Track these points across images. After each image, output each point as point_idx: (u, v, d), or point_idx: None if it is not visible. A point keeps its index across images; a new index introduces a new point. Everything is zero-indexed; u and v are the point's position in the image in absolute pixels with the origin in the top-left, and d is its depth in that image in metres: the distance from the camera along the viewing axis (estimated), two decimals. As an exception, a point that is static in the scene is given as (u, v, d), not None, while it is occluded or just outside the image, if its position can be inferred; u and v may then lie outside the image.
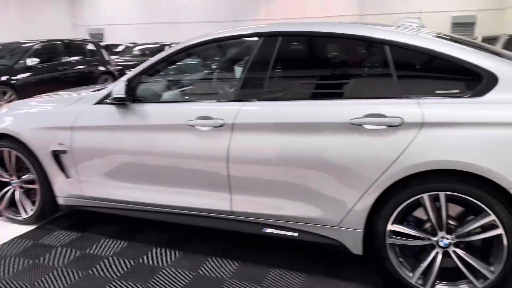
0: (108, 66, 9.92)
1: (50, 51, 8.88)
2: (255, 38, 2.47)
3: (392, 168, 2.05)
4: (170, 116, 2.50)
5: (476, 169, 1.93)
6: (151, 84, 2.79)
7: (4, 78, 7.73)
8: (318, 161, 2.19)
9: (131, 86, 2.57)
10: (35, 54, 8.37)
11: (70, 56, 9.16)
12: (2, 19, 23.27)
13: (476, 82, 2.05)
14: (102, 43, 13.28)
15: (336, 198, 2.20)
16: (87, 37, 27.97)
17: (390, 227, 2.13)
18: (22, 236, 2.89)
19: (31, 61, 8.06)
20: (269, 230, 2.40)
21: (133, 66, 9.82)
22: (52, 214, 3.15)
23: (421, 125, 2.02)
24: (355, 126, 2.11)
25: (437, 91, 2.10)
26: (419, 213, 2.14)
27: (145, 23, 26.36)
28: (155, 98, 2.76)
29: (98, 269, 2.46)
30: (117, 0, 27.06)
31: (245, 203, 2.40)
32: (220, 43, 2.71)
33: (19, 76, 7.95)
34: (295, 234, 2.35)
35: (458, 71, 2.10)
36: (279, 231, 2.38)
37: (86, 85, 4.43)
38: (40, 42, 8.81)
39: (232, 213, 2.45)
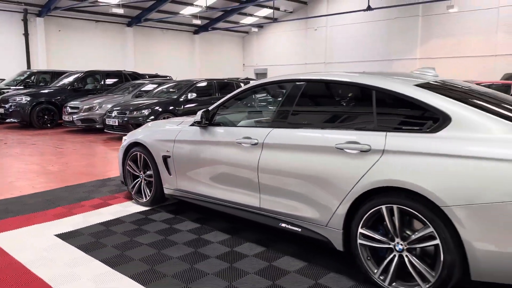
0: (251, 101, 11.66)
1: (207, 87, 11.04)
2: (287, 84, 3.39)
3: (360, 182, 2.68)
4: (227, 136, 3.57)
5: (420, 189, 2.43)
6: (222, 113, 3.89)
7: (171, 107, 9.99)
8: (313, 174, 2.94)
9: (208, 114, 3.74)
10: (196, 89, 10.56)
11: (222, 92, 11.17)
12: (189, 60, 28.30)
13: (434, 120, 2.56)
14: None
15: (324, 203, 2.90)
16: (254, 75, 31.59)
17: (360, 230, 2.73)
18: (140, 212, 4.28)
19: (191, 95, 10.23)
20: (283, 225, 3.21)
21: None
22: (163, 202, 4.48)
23: (383, 151, 2.63)
24: (339, 150, 2.82)
25: (404, 127, 2.67)
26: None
27: (303, 64, 28.53)
28: (223, 123, 3.84)
29: (174, 237, 3.61)
30: (280, 44, 29.98)
31: (268, 202, 3.26)
32: (266, 87, 3.68)
33: (182, 107, 10.14)
34: (299, 229, 3.10)
35: (422, 111, 2.64)
36: (289, 226, 3.17)
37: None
38: (200, 80, 11.04)
39: (259, 209, 3.33)
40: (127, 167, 4.61)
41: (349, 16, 25.00)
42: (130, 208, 4.43)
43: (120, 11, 21.50)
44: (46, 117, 12.15)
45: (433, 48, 22.81)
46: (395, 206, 2.56)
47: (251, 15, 28.06)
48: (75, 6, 20.85)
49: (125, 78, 14.29)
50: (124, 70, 14.84)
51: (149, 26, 25.68)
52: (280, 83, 3.55)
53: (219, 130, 3.69)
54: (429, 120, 2.60)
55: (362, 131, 2.81)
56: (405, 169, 2.52)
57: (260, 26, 30.12)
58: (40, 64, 21.05)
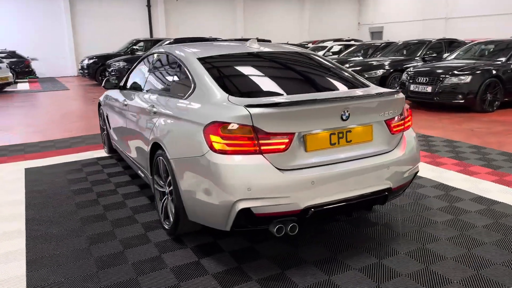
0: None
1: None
2: (150, 55, 4.05)
3: (151, 139, 3.29)
4: (120, 98, 4.39)
5: (163, 145, 2.97)
6: (130, 79, 4.65)
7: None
8: (139, 130, 3.62)
9: (117, 80, 4.59)
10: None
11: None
12: (298, 23, 28.52)
13: (190, 88, 3.01)
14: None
15: (145, 155, 3.55)
16: (368, 35, 30.24)
17: (155, 177, 3.36)
18: (97, 157, 5.45)
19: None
20: (139, 172, 3.97)
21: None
22: (115, 152, 5.52)
23: (159, 114, 3.20)
24: (148, 111, 3.44)
25: (178, 94, 3.15)
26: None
27: (422, 20, 26.19)
28: (128, 88, 4.57)
29: (99, 176, 4.69)
30: (396, -1, 27.85)
31: (134, 153, 4.04)
32: (149, 57, 4.26)
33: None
34: (143, 175, 3.83)
35: (190, 81, 3.07)
36: (141, 173, 3.91)
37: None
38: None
39: (135, 159, 4.11)
40: (100, 123, 5.80)
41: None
42: (97, 154, 5.64)
43: (226, -21, 22.78)
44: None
45: None
46: (160, 158, 3.13)
47: (364, -30, 26.62)
48: (188, -23, 22.83)
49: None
50: (211, 37, 16.17)
51: (258, -9, 26.55)
52: (150, 55, 4.18)
53: (120, 93, 4.53)
54: (191, 88, 3.04)
55: (161, 96, 3.38)
56: (161, 129, 3.07)
57: (376, -19, 28.37)
58: (161, 32, 23.92)
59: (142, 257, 2.86)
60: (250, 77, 3.11)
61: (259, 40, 15.59)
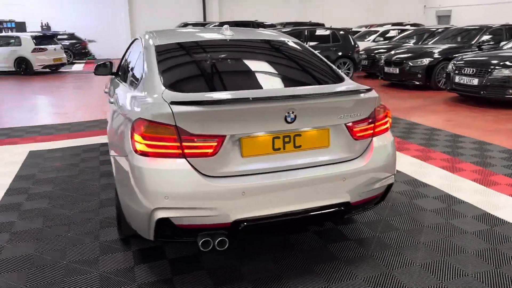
0: (350, 52, 11.22)
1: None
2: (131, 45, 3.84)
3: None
4: (110, 85, 4.27)
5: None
6: (121, 69, 4.49)
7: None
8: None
9: (112, 68, 4.46)
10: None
11: (321, 42, 11.14)
12: (359, 5, 27.24)
13: (139, 79, 2.76)
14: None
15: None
16: (435, 19, 28.17)
17: (114, 171, 3.20)
18: (101, 144, 5.44)
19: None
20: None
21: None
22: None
23: (111, 102, 3.02)
24: (110, 99, 3.28)
25: (132, 84, 2.93)
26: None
27: (496, 3, 23.87)
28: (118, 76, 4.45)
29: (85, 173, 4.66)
30: (467, -21, 25.53)
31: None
32: (133, 42, 4.04)
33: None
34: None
35: (142, 71, 2.82)
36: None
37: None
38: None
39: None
40: (108, 107, 5.79)
41: None
42: (103, 140, 5.63)
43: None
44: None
45: None
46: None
47: None
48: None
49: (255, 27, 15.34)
50: (256, 21, 15.85)
51: (315, -28, 25.62)
52: (134, 41, 3.97)
53: (115, 80, 4.41)
54: (139, 79, 2.78)
55: (121, 85, 3.21)
56: (110, 121, 2.89)
57: (446, -40, 26.23)
58: (214, 16, 23.93)
59: (80, 258, 2.72)
60: (201, 69, 2.76)
61: (311, 24, 15.08)
